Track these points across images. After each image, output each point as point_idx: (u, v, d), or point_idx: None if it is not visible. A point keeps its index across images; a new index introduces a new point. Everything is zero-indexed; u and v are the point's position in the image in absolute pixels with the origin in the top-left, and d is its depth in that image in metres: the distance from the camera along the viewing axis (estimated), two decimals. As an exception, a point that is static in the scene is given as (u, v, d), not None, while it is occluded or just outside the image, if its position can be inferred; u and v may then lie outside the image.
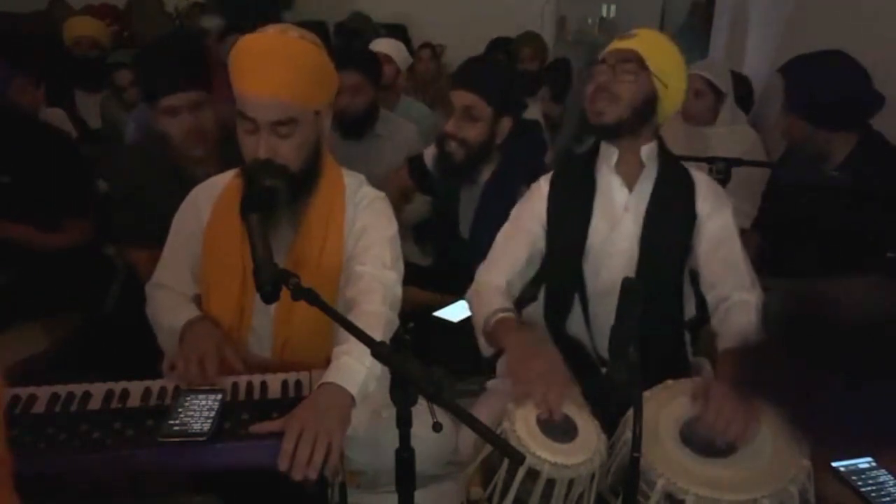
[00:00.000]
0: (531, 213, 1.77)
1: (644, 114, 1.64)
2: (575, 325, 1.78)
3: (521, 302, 1.86)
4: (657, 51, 1.64)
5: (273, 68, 1.42)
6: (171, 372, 1.44)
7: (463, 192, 2.29)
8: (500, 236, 1.79)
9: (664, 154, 1.71)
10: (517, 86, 2.26)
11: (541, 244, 1.77)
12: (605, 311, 1.69)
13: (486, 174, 2.22)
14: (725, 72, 3.07)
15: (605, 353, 1.70)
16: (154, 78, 1.98)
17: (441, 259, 2.53)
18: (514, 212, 1.81)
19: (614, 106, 1.62)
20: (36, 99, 2.68)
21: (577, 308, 1.76)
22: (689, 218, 1.67)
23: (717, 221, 1.66)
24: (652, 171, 1.69)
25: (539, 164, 2.29)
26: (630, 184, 1.70)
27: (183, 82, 1.92)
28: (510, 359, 1.52)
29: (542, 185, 1.79)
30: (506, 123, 2.16)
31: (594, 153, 1.74)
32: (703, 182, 1.71)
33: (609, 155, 1.70)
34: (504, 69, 2.32)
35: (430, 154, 2.40)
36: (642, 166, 1.69)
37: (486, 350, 1.66)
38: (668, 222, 1.67)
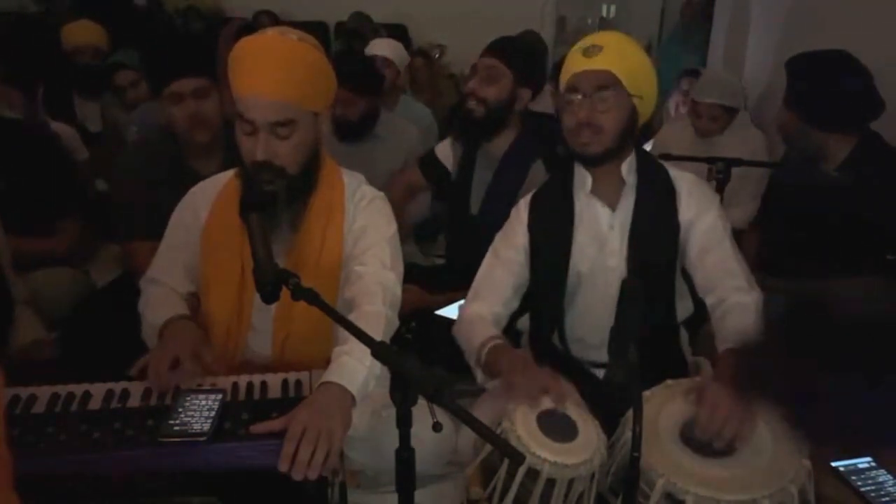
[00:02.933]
0: (513, 243, 1.74)
1: (627, 133, 1.62)
2: (556, 337, 1.79)
3: (513, 315, 1.87)
4: (628, 64, 1.59)
5: (271, 69, 1.43)
6: (138, 375, 1.42)
7: (476, 170, 2.34)
8: (483, 268, 1.77)
9: (643, 161, 1.69)
10: (540, 61, 2.32)
11: (524, 274, 1.75)
12: (590, 323, 1.70)
13: (502, 146, 2.27)
14: (736, 84, 3.06)
15: (584, 358, 1.73)
16: (161, 64, 2.01)
17: (452, 247, 2.57)
18: (498, 237, 1.79)
19: (601, 137, 1.59)
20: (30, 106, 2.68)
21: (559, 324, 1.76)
22: (672, 226, 1.64)
23: (704, 223, 1.64)
24: (632, 184, 1.66)
25: (555, 143, 2.33)
26: (612, 203, 1.67)
27: (188, 68, 1.94)
28: (504, 377, 1.50)
29: (522, 212, 1.76)
30: (525, 93, 2.25)
31: (569, 176, 1.71)
32: (684, 183, 1.67)
33: (583, 180, 1.67)
34: (529, 43, 2.45)
35: (442, 149, 2.49)
36: (623, 182, 1.66)
37: (482, 380, 1.63)
38: (653, 234, 1.65)
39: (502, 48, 2.26)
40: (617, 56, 1.58)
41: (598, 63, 1.57)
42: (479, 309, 1.71)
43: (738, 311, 1.54)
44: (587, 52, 1.59)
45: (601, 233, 1.68)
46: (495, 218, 1.86)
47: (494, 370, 1.56)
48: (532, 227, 1.73)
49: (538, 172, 2.18)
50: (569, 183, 1.71)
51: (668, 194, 1.66)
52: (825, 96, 2.07)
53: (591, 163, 1.64)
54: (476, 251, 1.82)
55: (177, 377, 1.40)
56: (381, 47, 3.63)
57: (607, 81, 1.57)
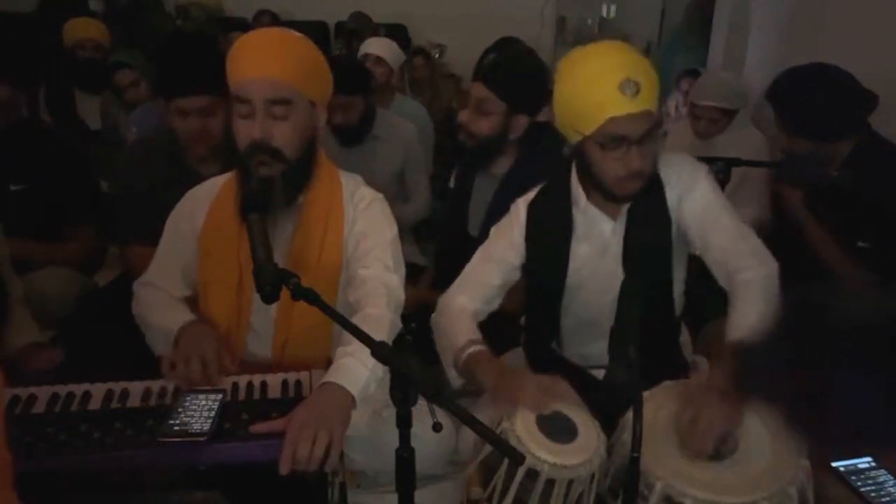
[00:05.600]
0: (509, 243, 1.71)
1: None
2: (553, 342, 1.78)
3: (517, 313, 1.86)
4: (657, 94, 1.48)
5: (270, 51, 1.47)
6: (171, 371, 1.44)
7: (475, 188, 2.27)
8: (474, 261, 1.73)
9: None
10: (539, 84, 2.19)
11: (514, 275, 1.72)
12: (588, 327, 1.69)
13: (501, 169, 2.20)
14: (736, 86, 3.05)
15: (585, 364, 1.72)
16: (170, 78, 2.02)
17: (442, 258, 2.51)
18: (492, 234, 1.75)
19: (644, 181, 1.52)
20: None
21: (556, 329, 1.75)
22: (664, 217, 1.59)
23: (694, 201, 1.57)
24: None
25: (557, 161, 2.29)
26: (613, 213, 1.63)
27: (197, 86, 1.94)
28: (490, 385, 1.47)
29: (520, 215, 1.71)
30: (521, 120, 2.13)
31: (566, 186, 1.66)
32: (668, 167, 1.59)
33: (581, 195, 1.63)
34: (525, 66, 2.22)
35: None
36: None
37: (455, 380, 1.60)
38: (647, 232, 1.61)
39: (494, 77, 2.09)
40: (652, 91, 1.45)
41: (643, 102, 1.43)
42: (463, 303, 1.68)
43: (744, 290, 1.47)
44: (626, 90, 1.42)
45: (603, 241, 1.65)
46: None
47: (472, 377, 1.53)
48: (528, 237, 1.69)
49: None
50: (566, 195, 1.66)
51: (656, 189, 1.59)
52: (821, 111, 2.06)
53: (626, 201, 1.58)
54: None
55: (207, 378, 1.41)
56: (374, 46, 3.64)
57: (651, 123, 1.46)
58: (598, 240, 1.65)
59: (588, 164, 1.54)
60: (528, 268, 1.71)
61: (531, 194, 1.74)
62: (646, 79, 1.45)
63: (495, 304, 1.74)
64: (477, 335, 1.60)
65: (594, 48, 1.51)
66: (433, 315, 1.71)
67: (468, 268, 1.74)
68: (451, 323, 1.64)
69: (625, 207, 1.62)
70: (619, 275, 1.62)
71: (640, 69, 1.45)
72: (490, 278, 1.71)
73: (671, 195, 1.58)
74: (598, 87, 1.44)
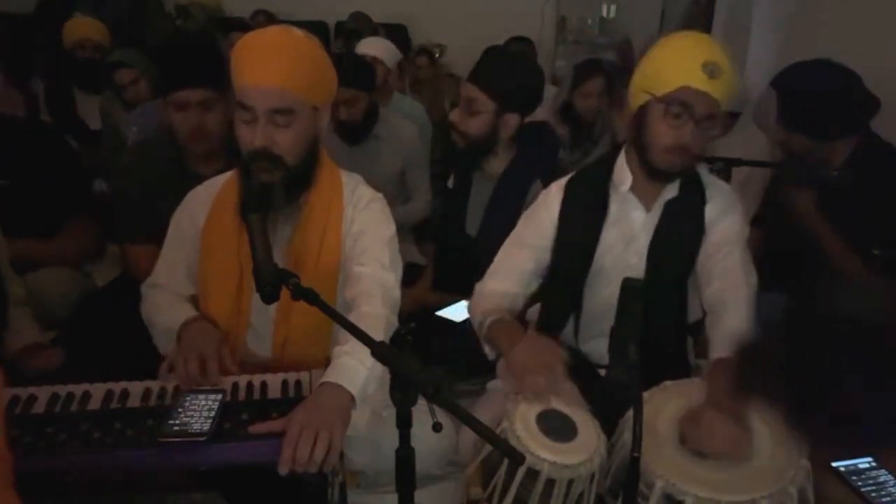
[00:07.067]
0: (539, 228, 1.73)
1: None
2: (567, 335, 1.78)
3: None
4: (728, 99, 1.53)
5: (273, 58, 1.45)
6: (169, 374, 1.44)
7: (473, 188, 2.28)
8: (505, 247, 1.76)
9: None
10: (530, 83, 2.21)
11: (546, 259, 1.74)
12: (601, 323, 1.68)
13: (498, 169, 2.21)
14: (739, 90, 3.04)
15: (596, 360, 1.72)
16: (169, 70, 2.02)
17: (442, 258, 2.52)
18: (521, 221, 1.77)
19: (689, 161, 1.56)
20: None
21: (571, 322, 1.76)
22: (698, 227, 1.63)
23: (723, 225, 1.63)
24: (673, 187, 1.64)
25: (553, 160, 2.29)
26: (648, 203, 1.65)
27: (196, 78, 1.94)
28: (505, 352, 1.54)
29: (553, 199, 1.73)
30: (511, 119, 2.14)
31: (609, 171, 1.68)
32: (714, 187, 1.66)
33: (622, 178, 1.65)
34: (515, 65, 2.24)
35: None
36: (665, 186, 1.63)
37: (490, 354, 1.66)
38: (678, 234, 1.64)
39: (483, 76, 2.13)
40: (727, 88, 1.50)
41: (717, 88, 1.48)
42: (495, 286, 1.72)
43: (728, 311, 1.52)
44: (709, 70, 1.47)
45: (632, 231, 1.67)
46: (496, 237, 1.82)
47: (497, 346, 1.59)
48: (562, 217, 1.71)
49: (538, 193, 2.10)
50: (607, 179, 1.68)
51: (698, 194, 1.64)
52: (824, 110, 2.06)
53: (667, 179, 1.61)
54: (470, 273, 1.80)
55: (206, 379, 1.41)
56: (369, 47, 3.63)
57: (715, 110, 1.51)
58: (626, 228, 1.67)
59: (643, 129, 1.57)
60: (556, 248, 1.72)
61: (565, 178, 1.76)
62: (727, 73, 1.49)
63: (532, 287, 1.76)
64: (497, 307, 1.65)
65: (695, 32, 1.63)
66: (469, 303, 1.76)
67: (499, 256, 1.77)
68: (479, 304, 1.70)
69: (661, 201, 1.64)
70: (638, 270, 1.64)
71: (726, 64, 1.50)
72: (522, 262, 1.73)
73: (710, 212, 1.63)
74: (683, 57, 1.51)
